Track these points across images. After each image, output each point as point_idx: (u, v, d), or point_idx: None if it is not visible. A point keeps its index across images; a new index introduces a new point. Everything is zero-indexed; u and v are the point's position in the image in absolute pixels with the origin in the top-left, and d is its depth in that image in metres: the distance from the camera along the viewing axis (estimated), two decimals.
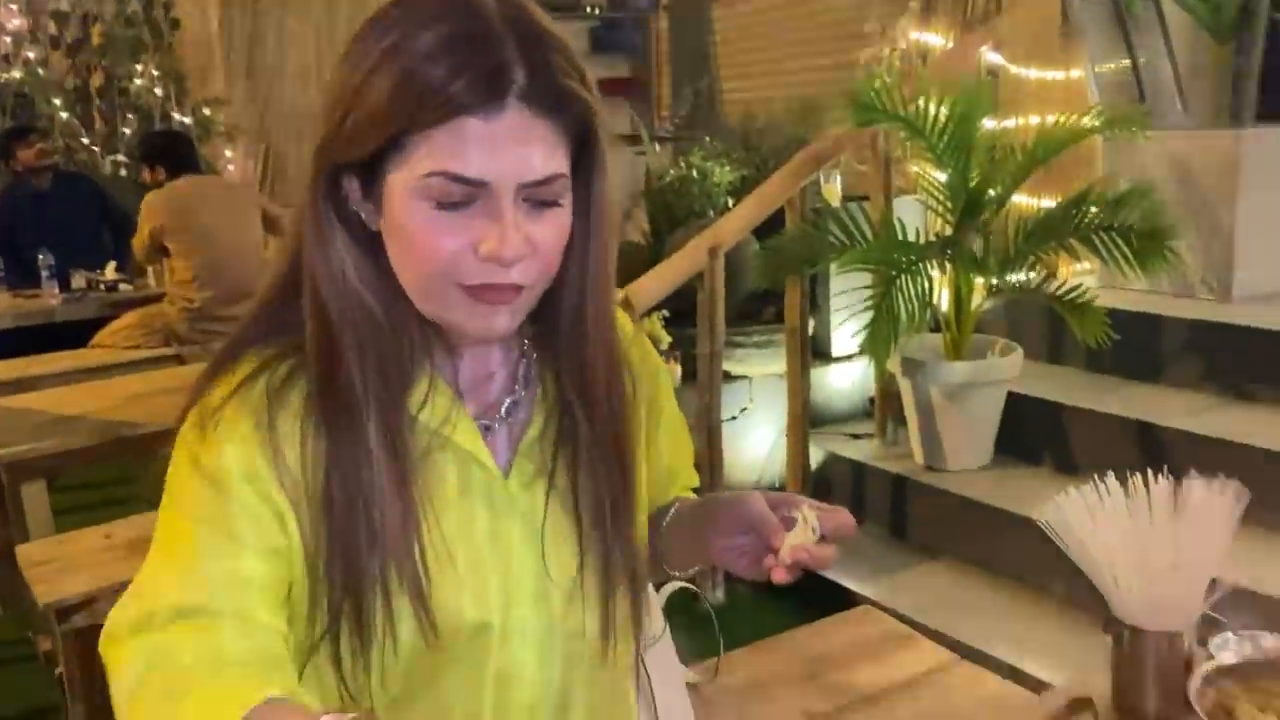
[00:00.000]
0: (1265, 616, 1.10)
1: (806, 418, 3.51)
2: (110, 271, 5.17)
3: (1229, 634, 1.15)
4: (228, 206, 4.66)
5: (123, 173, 6.46)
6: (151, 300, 4.81)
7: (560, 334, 0.94)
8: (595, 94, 0.86)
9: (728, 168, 3.89)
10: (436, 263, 0.84)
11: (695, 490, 1.20)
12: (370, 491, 0.87)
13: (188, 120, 6.73)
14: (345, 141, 0.84)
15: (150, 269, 5.08)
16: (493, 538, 0.94)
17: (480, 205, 0.82)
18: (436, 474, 0.92)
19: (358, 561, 0.87)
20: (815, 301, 3.78)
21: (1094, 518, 1.23)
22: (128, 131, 6.64)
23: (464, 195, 0.82)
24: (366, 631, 0.88)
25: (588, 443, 0.96)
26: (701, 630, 1.34)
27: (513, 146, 0.81)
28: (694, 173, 3.81)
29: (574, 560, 0.96)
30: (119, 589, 2.49)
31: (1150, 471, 1.22)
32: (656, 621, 1.38)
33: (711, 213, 3.71)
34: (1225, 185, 3.45)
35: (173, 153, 4.69)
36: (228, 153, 7.03)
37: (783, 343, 3.52)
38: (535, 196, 0.84)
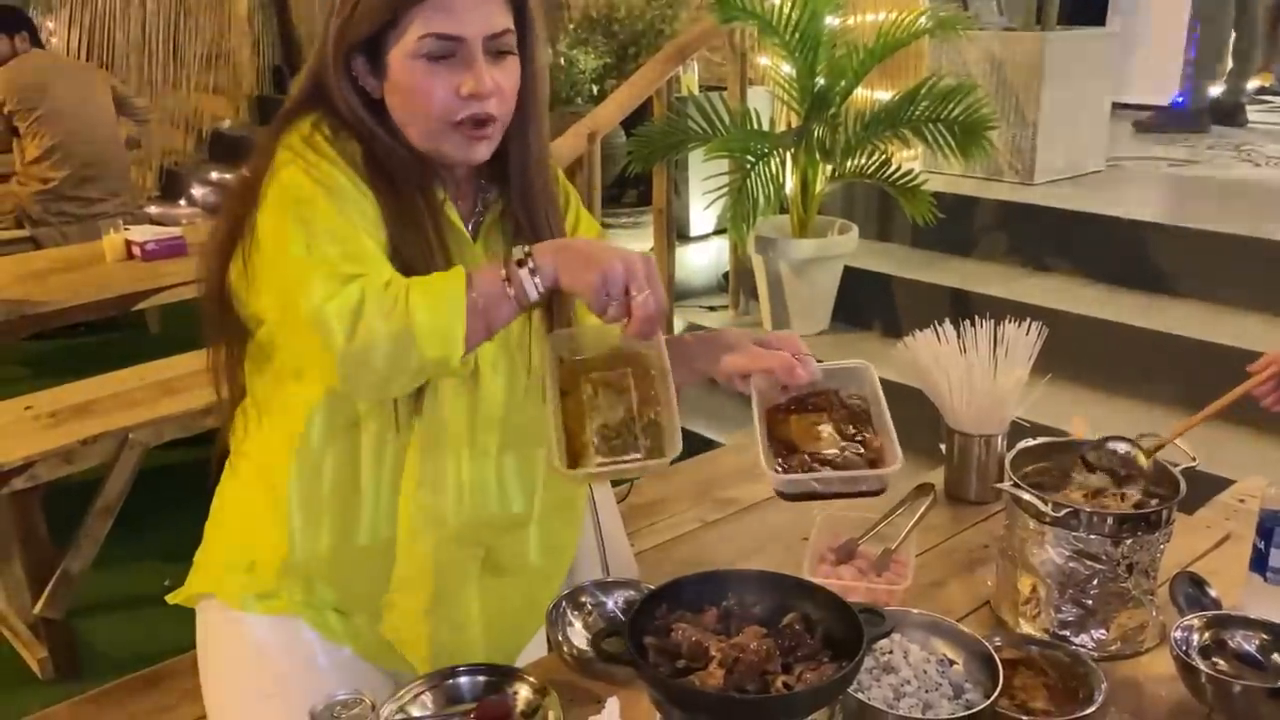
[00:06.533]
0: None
1: (671, 292, 3.85)
2: None
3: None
4: (79, 85, 4.54)
5: None
6: None
7: (510, 162, 1.27)
8: None
9: (591, 55, 4.07)
10: (432, 105, 1.15)
11: None
12: (418, 226, 1.18)
13: None
14: (355, 23, 1.15)
15: None
16: None
17: (458, 58, 1.15)
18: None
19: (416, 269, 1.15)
20: (675, 185, 4.08)
21: (935, 351, 1.62)
22: None
23: (446, 50, 1.14)
24: None
25: (531, 233, 1.28)
26: None
27: (476, 9, 1.15)
28: (560, 60, 3.98)
29: (524, 320, 1.28)
30: (56, 454, 2.63)
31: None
32: None
33: (579, 99, 3.91)
34: (1031, 81, 3.92)
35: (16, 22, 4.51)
36: (49, 24, 6.65)
37: (648, 223, 3.83)
38: (494, 47, 1.16)
